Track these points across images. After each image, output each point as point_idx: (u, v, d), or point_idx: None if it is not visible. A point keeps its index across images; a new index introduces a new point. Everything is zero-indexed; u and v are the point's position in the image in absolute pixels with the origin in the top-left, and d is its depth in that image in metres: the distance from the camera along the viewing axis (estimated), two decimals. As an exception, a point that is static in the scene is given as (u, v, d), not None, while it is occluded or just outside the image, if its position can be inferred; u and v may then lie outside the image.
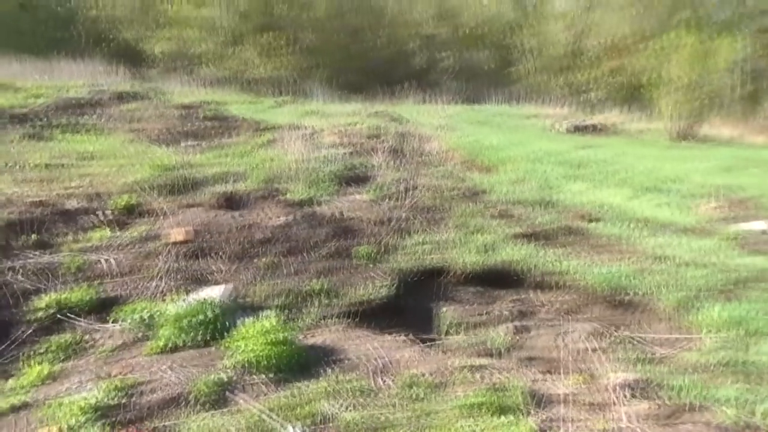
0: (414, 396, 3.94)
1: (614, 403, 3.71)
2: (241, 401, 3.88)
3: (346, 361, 4.43)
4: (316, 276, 5.97)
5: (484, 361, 4.56)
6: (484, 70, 33.80)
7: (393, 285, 6.12)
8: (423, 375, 4.20)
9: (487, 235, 7.59)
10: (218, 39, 27.03)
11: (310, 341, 4.78)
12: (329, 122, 13.32)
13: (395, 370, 4.32)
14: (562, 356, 5.01)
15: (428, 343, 5.23)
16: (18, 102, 12.38)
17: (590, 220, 8.96)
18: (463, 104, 24.32)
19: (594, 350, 4.99)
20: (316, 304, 5.56)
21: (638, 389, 4.17)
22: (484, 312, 6.10)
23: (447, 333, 5.62)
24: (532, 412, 3.74)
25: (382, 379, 4.19)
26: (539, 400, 3.93)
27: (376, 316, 5.71)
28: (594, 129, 21.18)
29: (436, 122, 16.15)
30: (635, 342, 5.53)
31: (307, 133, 11.34)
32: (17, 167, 8.30)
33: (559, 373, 4.51)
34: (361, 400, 3.89)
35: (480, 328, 5.69)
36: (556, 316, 6.15)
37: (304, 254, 6.33)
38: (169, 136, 11.21)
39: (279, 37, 26.95)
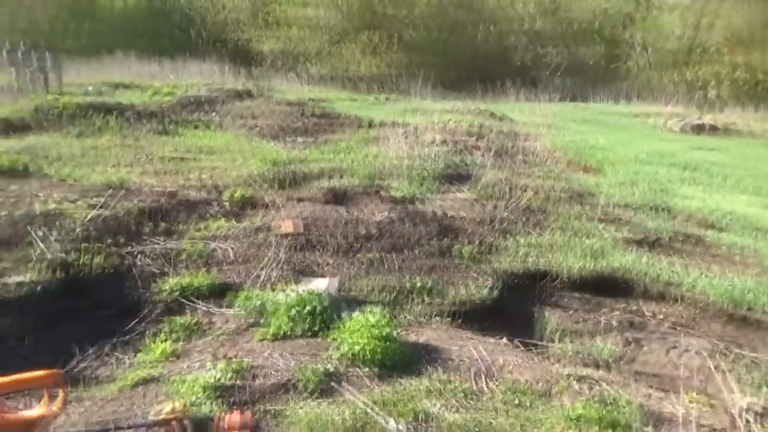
0: (518, 402, 3.90)
1: (738, 429, 3.47)
2: (347, 392, 4.03)
3: (449, 361, 4.46)
4: (418, 273, 6.05)
5: (591, 371, 4.42)
6: (591, 66, 32.35)
7: (495, 286, 6.07)
8: (527, 381, 4.15)
9: (593, 240, 7.32)
10: (323, 38, 27.95)
11: (413, 338, 4.85)
12: (430, 120, 13.37)
13: (498, 374, 4.30)
14: (676, 373, 4.75)
15: (531, 349, 5.15)
16: (150, 100, 13.54)
17: (708, 228, 8.37)
18: (567, 102, 23.47)
19: (713, 369, 4.68)
20: (418, 301, 5.64)
21: (766, 416, 3.87)
22: (591, 320, 5.90)
23: (551, 339, 5.50)
24: (646, 430, 3.58)
25: (485, 382, 4.18)
26: (653, 419, 3.75)
27: (478, 317, 5.69)
28: (711, 129, 19.70)
29: (539, 120, 15.71)
30: (761, 363, 5.12)
31: (408, 131, 11.44)
32: (148, 159, 9.07)
33: (674, 391, 4.28)
34: (464, 401, 3.91)
35: (586, 337, 5.51)
36: (669, 330, 5.82)
37: (407, 251, 6.42)
38: (279, 132, 11.77)
39: (381, 34, 27.40)
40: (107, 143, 9.95)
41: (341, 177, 8.74)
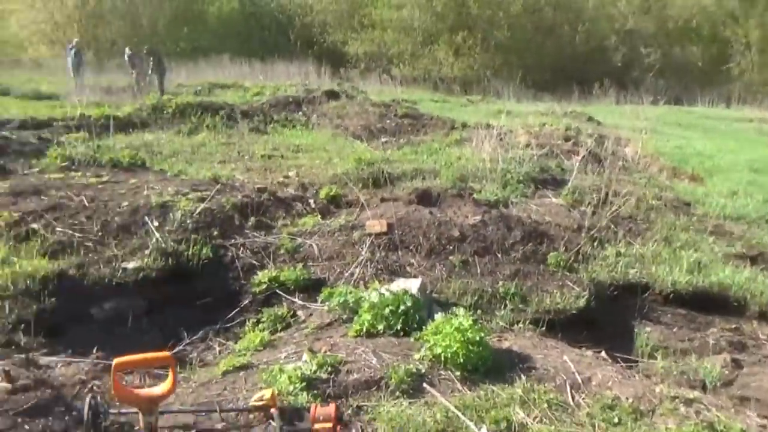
0: (613, 420, 3.69)
1: None
2: (434, 395, 3.99)
3: (539, 371, 4.31)
4: (508, 279, 5.90)
5: (694, 393, 4.11)
6: (694, 68, 30.37)
7: (588, 296, 5.81)
8: (623, 398, 3.92)
9: (697, 253, 6.85)
10: (413, 39, 28.09)
11: (499, 344, 4.74)
12: (521, 122, 13.08)
13: (592, 388, 4.09)
14: (795, 403, 4.33)
15: (627, 364, 4.88)
16: (245, 99, 14.23)
17: (832, 246, 7.59)
18: (668, 105, 22.17)
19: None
20: (507, 307, 5.50)
21: None
22: (695, 339, 5.51)
23: (649, 356, 5.19)
24: (760, 462, 3.28)
25: (576, 394, 4.00)
26: (765, 450, 3.44)
27: (569, 327, 5.48)
28: (836, 136, 17.90)
29: (639, 124, 14.93)
30: None
31: (498, 133, 11.22)
32: (247, 157, 9.50)
33: (793, 423, 3.90)
34: (555, 414, 3.76)
35: (689, 357, 5.15)
36: (783, 354, 5.33)
37: (496, 255, 6.29)
38: (368, 132, 11.95)
39: (472, 35, 27.14)
40: (212, 140, 10.53)
41: (429, 178, 8.71)
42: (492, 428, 3.63)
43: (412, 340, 4.64)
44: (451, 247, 6.30)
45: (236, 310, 5.73)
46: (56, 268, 5.33)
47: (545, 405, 3.83)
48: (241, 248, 6.41)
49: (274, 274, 5.99)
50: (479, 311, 5.35)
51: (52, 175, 7.45)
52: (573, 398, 3.97)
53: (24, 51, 27.69)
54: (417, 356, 4.34)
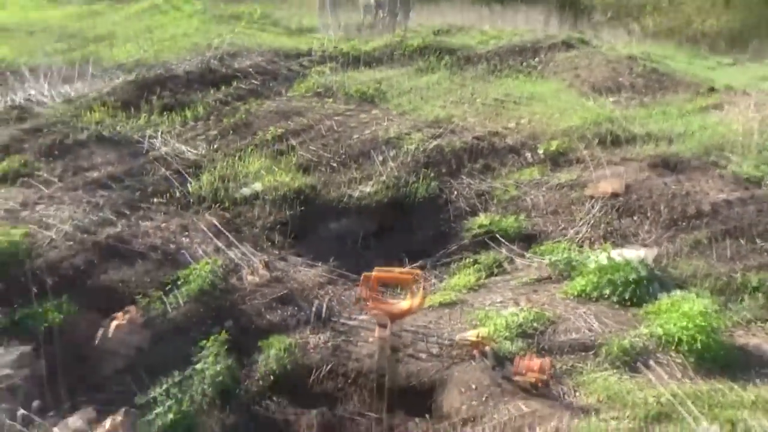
0: None
1: None
2: (661, 375, 3.72)
3: (787, 378, 3.75)
4: (756, 268, 5.11)
5: None
6: None
7: None
8: None
9: None
10: (667, -14, 24.78)
11: (748, 341, 4.20)
12: (803, 90, 10.87)
13: None
14: None
15: None
16: (482, 42, 14.06)
17: None
18: None
19: None
20: (753, 300, 4.80)
21: None
22: None
23: None
24: None
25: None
26: None
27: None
28: None
29: None
30: None
31: (763, 101, 9.51)
32: (472, 100, 9.47)
33: None
34: (804, 431, 3.25)
35: None
36: None
37: (754, 240, 5.45)
38: (605, 87, 10.98)
39: (748, -17, 22.96)
40: (446, 81, 10.69)
41: (673, 143, 7.79)
42: (726, 430, 3.29)
43: (640, 312, 4.34)
44: (697, 222, 5.63)
45: (454, 247, 5.90)
46: (307, 181, 6.03)
47: (796, 418, 3.33)
48: (466, 188, 6.54)
49: (496, 218, 6.03)
50: (722, 298, 4.75)
51: (309, 99, 8.29)
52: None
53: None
54: (645, 331, 4.06)
